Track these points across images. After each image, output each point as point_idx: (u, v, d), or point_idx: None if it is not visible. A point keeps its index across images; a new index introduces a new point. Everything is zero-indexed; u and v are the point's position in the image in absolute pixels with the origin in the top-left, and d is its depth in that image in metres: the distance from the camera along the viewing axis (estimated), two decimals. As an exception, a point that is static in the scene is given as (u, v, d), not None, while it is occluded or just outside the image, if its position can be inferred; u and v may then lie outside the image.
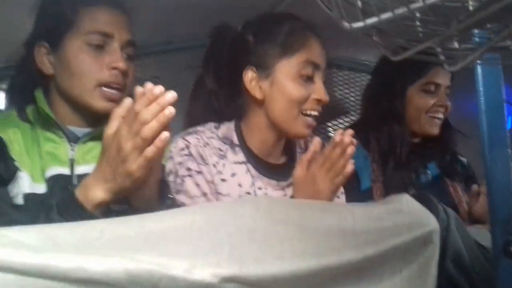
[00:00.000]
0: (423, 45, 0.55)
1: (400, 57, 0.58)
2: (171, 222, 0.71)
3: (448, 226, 0.85)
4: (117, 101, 1.00)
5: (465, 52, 0.58)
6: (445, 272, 0.85)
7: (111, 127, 0.78)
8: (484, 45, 0.54)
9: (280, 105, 1.05)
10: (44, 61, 1.02)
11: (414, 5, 0.49)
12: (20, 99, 1.05)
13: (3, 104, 1.40)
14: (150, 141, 0.75)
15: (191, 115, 1.20)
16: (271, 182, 1.11)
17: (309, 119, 1.06)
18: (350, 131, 0.96)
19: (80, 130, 1.03)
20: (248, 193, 1.08)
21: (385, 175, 1.33)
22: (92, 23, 1.00)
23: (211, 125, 1.11)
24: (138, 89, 0.77)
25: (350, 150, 0.95)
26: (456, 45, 0.58)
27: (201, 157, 1.05)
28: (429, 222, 0.80)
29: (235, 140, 1.10)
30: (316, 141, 1.01)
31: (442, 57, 0.59)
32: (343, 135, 0.95)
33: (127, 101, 0.78)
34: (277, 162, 1.15)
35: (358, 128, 1.48)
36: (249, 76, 1.07)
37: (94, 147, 1.02)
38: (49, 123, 1.01)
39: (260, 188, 1.09)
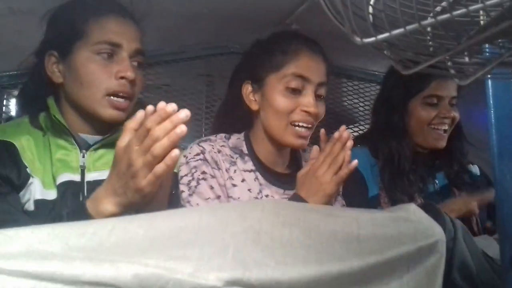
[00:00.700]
0: (434, 59, 0.56)
1: (411, 71, 0.59)
2: (179, 221, 0.72)
3: (455, 236, 0.85)
4: (125, 110, 1.03)
5: (475, 66, 0.59)
6: (452, 282, 0.85)
7: (123, 140, 0.79)
8: (495, 60, 0.55)
9: (270, 116, 1.12)
10: (54, 69, 1.04)
11: (425, 22, 0.50)
12: (32, 106, 1.07)
13: (14, 110, 1.43)
14: (161, 158, 0.76)
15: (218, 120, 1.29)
16: (278, 191, 1.14)
17: (300, 130, 1.10)
18: (343, 127, 1.06)
19: (91, 138, 1.05)
20: (256, 198, 1.12)
21: (389, 185, 1.33)
22: (101, 33, 1.01)
23: (222, 135, 1.17)
24: (149, 108, 0.78)
25: (350, 143, 1.03)
26: (466, 59, 0.59)
27: (215, 162, 1.10)
28: (435, 231, 0.80)
29: (244, 149, 1.15)
30: (315, 148, 1.08)
31: (452, 71, 0.60)
32: (341, 132, 1.04)
33: (140, 114, 0.79)
34: (284, 172, 1.19)
35: (367, 137, 1.50)
36: (246, 89, 1.15)
37: (105, 155, 1.04)
38: (61, 131, 1.02)
39: (267, 196, 1.13)
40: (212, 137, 1.16)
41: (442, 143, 1.38)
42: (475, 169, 1.51)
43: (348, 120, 1.89)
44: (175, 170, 1.11)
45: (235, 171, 1.12)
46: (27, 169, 0.98)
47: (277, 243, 0.72)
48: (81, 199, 0.98)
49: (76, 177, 1.00)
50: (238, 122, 1.19)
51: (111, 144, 1.00)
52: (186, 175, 1.08)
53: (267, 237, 0.72)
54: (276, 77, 1.11)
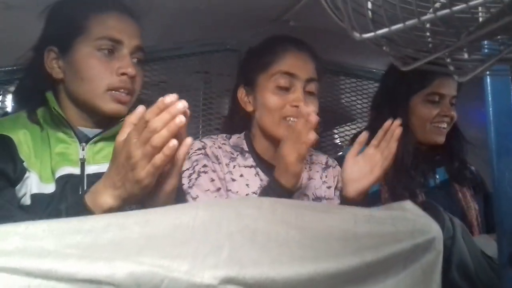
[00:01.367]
0: (433, 55, 0.55)
1: (410, 67, 0.58)
2: (175, 218, 0.71)
3: (454, 235, 0.85)
4: (126, 103, 1.03)
5: (474, 63, 0.59)
6: (450, 281, 0.85)
7: (122, 134, 0.79)
8: (494, 57, 0.55)
9: (263, 114, 1.18)
10: (54, 65, 1.03)
11: (425, 17, 0.49)
12: (30, 101, 1.06)
13: (10, 106, 1.42)
14: (160, 149, 0.76)
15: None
16: None
17: (293, 124, 1.13)
18: (397, 122, 1.11)
19: (90, 131, 1.05)
20: (255, 193, 1.15)
21: (390, 181, 1.33)
22: (102, 29, 1.01)
23: (223, 135, 1.23)
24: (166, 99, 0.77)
25: (398, 131, 1.12)
26: (465, 56, 0.59)
27: (216, 157, 1.15)
28: (432, 228, 0.80)
29: (245, 147, 1.21)
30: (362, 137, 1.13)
31: (451, 68, 0.59)
32: (390, 123, 1.11)
33: (140, 109, 0.79)
34: None
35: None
36: (240, 93, 1.23)
37: (104, 148, 1.04)
38: (60, 124, 1.02)
39: None
40: (213, 136, 1.23)
41: (442, 139, 1.40)
42: (472, 167, 1.52)
43: (345, 118, 1.89)
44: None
45: (234, 166, 1.16)
46: (24, 163, 0.97)
47: (273, 242, 0.72)
48: (80, 192, 0.97)
49: (76, 170, 1.00)
50: (242, 125, 1.25)
51: (110, 138, 1.01)
52: (187, 168, 1.12)
53: (263, 237, 0.72)
54: (265, 76, 1.17)
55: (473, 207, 1.41)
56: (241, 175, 1.16)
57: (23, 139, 0.99)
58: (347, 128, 1.90)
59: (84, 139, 1.03)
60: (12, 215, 0.89)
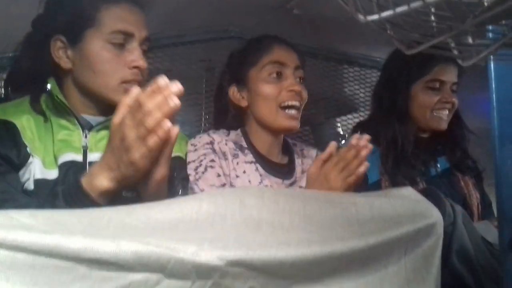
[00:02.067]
0: (437, 39, 0.55)
1: (414, 51, 0.59)
2: (178, 211, 0.72)
3: (455, 221, 0.86)
4: None
5: (479, 48, 0.59)
6: (451, 266, 0.85)
7: (118, 116, 0.79)
8: (498, 41, 0.55)
9: (260, 105, 1.21)
10: (61, 55, 1.03)
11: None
12: (30, 89, 1.06)
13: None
14: (153, 131, 0.76)
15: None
16: (277, 181, 1.20)
17: (290, 112, 1.19)
18: (366, 136, 1.00)
19: (93, 119, 1.05)
20: None
21: (391, 169, 1.34)
22: (114, 22, 1.01)
23: (223, 131, 1.25)
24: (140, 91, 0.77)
25: (364, 152, 0.99)
26: (470, 40, 0.58)
27: (223, 153, 1.17)
28: (432, 213, 0.80)
29: (244, 143, 1.23)
30: (332, 144, 1.06)
31: (455, 52, 0.59)
32: (359, 139, 1.00)
33: (135, 90, 0.79)
34: (280, 162, 1.25)
35: (368, 123, 1.51)
36: (232, 91, 1.25)
37: (107, 136, 1.03)
38: (63, 111, 1.02)
39: (267, 186, 1.18)
40: (217, 131, 1.24)
41: (444, 125, 1.40)
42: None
43: (348, 107, 1.89)
44: (180, 155, 1.12)
45: (237, 163, 1.18)
46: (27, 148, 0.97)
47: (278, 229, 0.73)
48: None
49: (79, 157, 1.00)
50: (232, 126, 1.26)
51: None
52: (193, 161, 1.13)
53: (268, 225, 0.73)
54: (256, 69, 1.21)
55: (475, 195, 1.41)
56: (244, 171, 1.18)
57: (27, 125, 0.99)
58: (350, 116, 1.90)
59: (87, 127, 1.03)
60: (16, 199, 0.89)
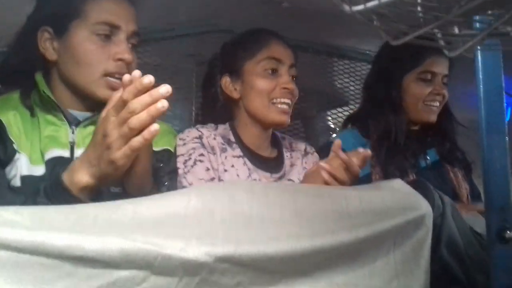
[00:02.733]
0: (423, 29, 0.55)
1: (400, 42, 0.58)
2: (166, 206, 0.71)
3: (444, 213, 0.86)
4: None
5: (465, 38, 0.59)
6: (440, 258, 0.86)
7: (104, 111, 0.78)
8: (484, 30, 0.55)
9: (253, 99, 1.21)
10: (48, 46, 1.02)
11: (415, -12, 0.49)
12: (19, 83, 1.05)
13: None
14: (137, 131, 0.74)
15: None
16: (265, 175, 1.20)
17: (282, 107, 1.20)
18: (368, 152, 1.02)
19: (81, 114, 1.04)
20: None
21: (383, 161, 1.34)
22: (100, 13, 1.00)
23: (211, 125, 1.24)
24: (125, 77, 0.75)
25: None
26: (456, 30, 0.58)
27: (212, 147, 1.17)
28: (421, 205, 0.81)
29: (232, 138, 1.23)
30: (337, 143, 1.05)
31: (441, 43, 0.59)
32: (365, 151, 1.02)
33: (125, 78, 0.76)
34: (269, 156, 1.25)
35: (358, 116, 1.51)
36: (225, 81, 1.24)
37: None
38: (50, 106, 1.01)
39: (255, 180, 1.18)
40: (206, 126, 1.24)
41: (434, 118, 1.42)
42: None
43: (339, 100, 1.89)
44: (169, 148, 1.12)
45: (226, 157, 1.18)
46: (14, 144, 0.96)
47: (268, 223, 0.72)
48: None
49: (66, 153, 0.99)
50: (220, 117, 1.26)
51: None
52: (182, 155, 1.13)
53: (257, 219, 0.72)
54: (253, 62, 1.21)
55: (464, 187, 1.43)
56: (232, 166, 1.18)
57: (13, 121, 0.98)
58: (340, 110, 1.90)
59: (74, 122, 1.02)
60: (2, 195, 0.89)
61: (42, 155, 0.98)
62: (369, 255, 0.76)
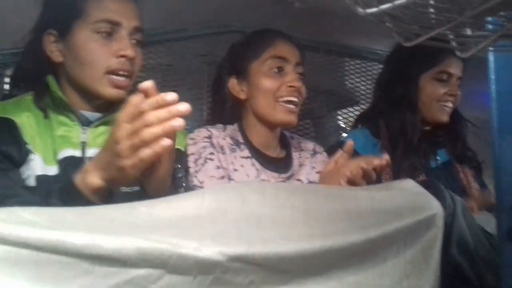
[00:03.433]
0: (436, 30, 0.55)
1: (412, 43, 0.59)
2: (180, 208, 0.72)
3: (454, 212, 0.86)
4: (125, 88, 1.03)
5: (477, 39, 0.59)
6: (450, 257, 0.86)
7: (120, 114, 0.77)
8: (497, 32, 0.55)
9: (259, 99, 1.21)
10: (53, 49, 1.03)
11: (428, -9, 0.49)
12: (32, 86, 1.06)
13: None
14: (148, 144, 0.73)
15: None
16: (274, 175, 1.21)
17: (288, 106, 1.20)
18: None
19: (91, 115, 1.05)
20: None
21: (394, 160, 1.34)
22: (100, 11, 1.00)
23: (220, 125, 1.25)
24: (143, 85, 0.74)
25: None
26: (468, 32, 0.59)
27: (221, 147, 1.18)
28: (432, 206, 0.81)
29: (240, 138, 1.23)
30: (349, 144, 1.07)
31: (454, 44, 0.59)
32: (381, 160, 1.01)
33: (147, 85, 0.75)
34: (277, 156, 1.26)
35: (369, 116, 1.51)
36: (232, 83, 1.25)
37: (106, 132, 1.03)
38: (62, 107, 1.03)
39: (264, 180, 1.19)
40: (215, 126, 1.24)
41: (447, 118, 1.42)
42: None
43: (350, 100, 1.89)
44: (180, 147, 1.12)
45: (235, 157, 1.19)
46: (28, 145, 0.98)
47: (279, 223, 0.73)
48: None
49: (77, 153, 1.01)
50: (229, 118, 1.26)
51: (112, 122, 1.00)
52: (193, 153, 1.14)
53: (269, 220, 0.73)
54: (258, 62, 1.22)
55: (474, 187, 1.42)
56: (242, 165, 1.19)
57: (27, 122, 1.00)
58: (351, 109, 1.89)
59: (85, 123, 1.04)
60: (18, 194, 0.89)
61: (55, 155, 0.99)
62: (380, 255, 0.77)
